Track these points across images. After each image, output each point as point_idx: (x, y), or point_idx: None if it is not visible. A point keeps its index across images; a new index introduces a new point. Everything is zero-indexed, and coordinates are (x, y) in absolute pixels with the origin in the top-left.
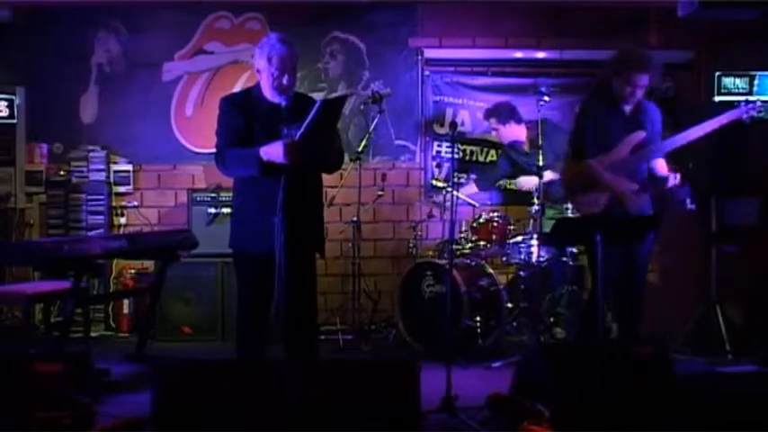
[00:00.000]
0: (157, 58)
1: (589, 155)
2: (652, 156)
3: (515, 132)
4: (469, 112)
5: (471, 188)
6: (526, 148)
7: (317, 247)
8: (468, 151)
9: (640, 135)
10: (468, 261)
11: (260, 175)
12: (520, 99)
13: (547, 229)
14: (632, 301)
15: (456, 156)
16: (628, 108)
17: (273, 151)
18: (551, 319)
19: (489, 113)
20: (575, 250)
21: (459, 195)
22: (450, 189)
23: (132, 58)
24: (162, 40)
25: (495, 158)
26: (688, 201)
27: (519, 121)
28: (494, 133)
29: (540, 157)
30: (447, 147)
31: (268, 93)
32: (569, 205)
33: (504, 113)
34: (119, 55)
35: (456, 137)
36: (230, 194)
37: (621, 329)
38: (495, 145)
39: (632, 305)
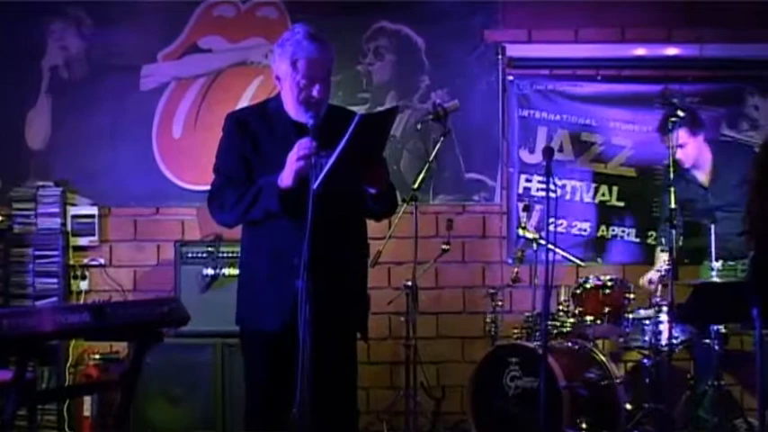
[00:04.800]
0: (134, 59)
1: None
2: None
3: (702, 152)
4: (571, 133)
5: (663, 259)
6: (705, 179)
7: (357, 323)
8: (569, 188)
9: None
10: (570, 344)
11: (280, 212)
12: (642, 113)
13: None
14: None
15: (553, 194)
16: None
17: (286, 165)
18: (689, 427)
19: (672, 121)
20: (722, 329)
21: (557, 251)
22: (543, 241)
23: (99, 58)
24: (140, 34)
25: (608, 198)
26: None
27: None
28: (679, 153)
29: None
30: (540, 182)
31: (291, 108)
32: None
33: (695, 121)
34: (80, 54)
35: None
36: (235, 249)
37: None
38: (612, 179)
39: None
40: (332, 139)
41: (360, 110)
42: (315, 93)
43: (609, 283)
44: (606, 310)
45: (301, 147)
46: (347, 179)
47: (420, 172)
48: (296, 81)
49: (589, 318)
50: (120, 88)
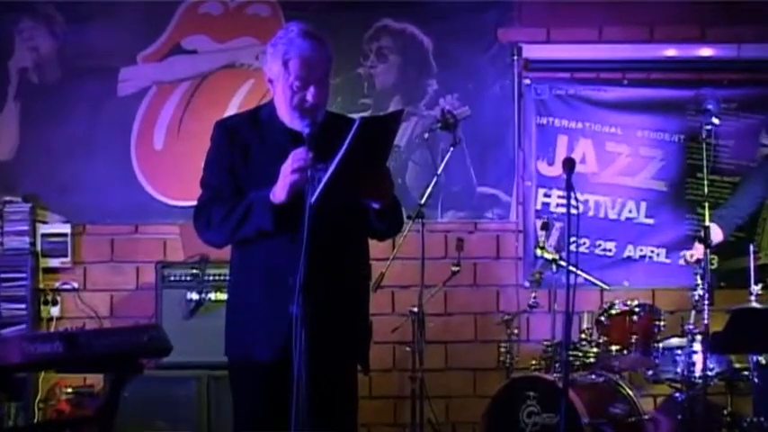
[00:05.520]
0: (111, 61)
1: None
2: None
3: None
4: (594, 142)
5: (715, 234)
6: None
7: (358, 354)
8: (592, 203)
9: None
10: (594, 376)
11: (273, 230)
12: (673, 121)
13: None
14: None
15: (574, 210)
16: None
17: (280, 178)
18: None
19: (707, 129)
20: (762, 360)
21: (579, 273)
22: (563, 262)
23: (72, 60)
24: (118, 34)
25: (635, 214)
26: None
27: None
28: None
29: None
30: (560, 197)
31: (285, 114)
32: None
33: None
34: (52, 56)
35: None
36: (222, 271)
37: None
38: (640, 193)
39: None
40: (330, 150)
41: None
42: (309, 96)
43: (636, 309)
44: (634, 338)
45: (296, 158)
46: (347, 192)
47: (427, 186)
48: (289, 83)
49: (615, 347)
50: (96, 93)
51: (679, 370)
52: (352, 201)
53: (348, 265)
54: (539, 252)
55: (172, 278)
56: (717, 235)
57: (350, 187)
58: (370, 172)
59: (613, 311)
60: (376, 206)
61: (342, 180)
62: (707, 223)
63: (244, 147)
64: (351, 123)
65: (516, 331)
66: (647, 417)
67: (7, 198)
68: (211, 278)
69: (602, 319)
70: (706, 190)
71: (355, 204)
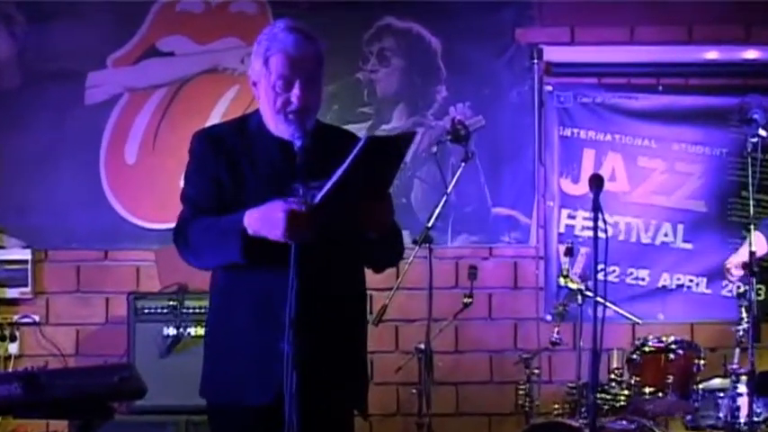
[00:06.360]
0: (78, 65)
1: None
2: None
3: None
4: (624, 157)
5: (760, 245)
6: None
7: (354, 398)
8: (622, 226)
9: None
10: (625, 423)
11: (244, 262)
12: (714, 132)
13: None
14: None
15: (603, 233)
16: None
17: (265, 219)
18: None
19: (753, 142)
20: None
21: (608, 305)
22: (590, 292)
23: (34, 64)
24: (86, 35)
25: (671, 238)
26: None
27: None
28: None
29: None
30: (586, 218)
31: (270, 120)
32: None
33: None
34: (11, 60)
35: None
36: (203, 303)
37: None
38: (677, 215)
39: None
40: (324, 167)
41: (360, 128)
42: (294, 98)
43: (673, 346)
44: (670, 379)
45: (291, 220)
46: (344, 216)
47: (436, 206)
48: (271, 83)
49: (648, 389)
50: (61, 101)
51: (722, 415)
52: (347, 226)
53: (342, 296)
54: (562, 281)
55: (146, 311)
56: (762, 247)
57: (347, 211)
58: (370, 201)
59: (647, 349)
60: (371, 235)
61: (338, 202)
62: (753, 248)
63: (231, 160)
64: (347, 137)
65: (537, 371)
66: None
67: None
68: (191, 311)
69: (635, 357)
70: (752, 210)
71: (351, 230)
